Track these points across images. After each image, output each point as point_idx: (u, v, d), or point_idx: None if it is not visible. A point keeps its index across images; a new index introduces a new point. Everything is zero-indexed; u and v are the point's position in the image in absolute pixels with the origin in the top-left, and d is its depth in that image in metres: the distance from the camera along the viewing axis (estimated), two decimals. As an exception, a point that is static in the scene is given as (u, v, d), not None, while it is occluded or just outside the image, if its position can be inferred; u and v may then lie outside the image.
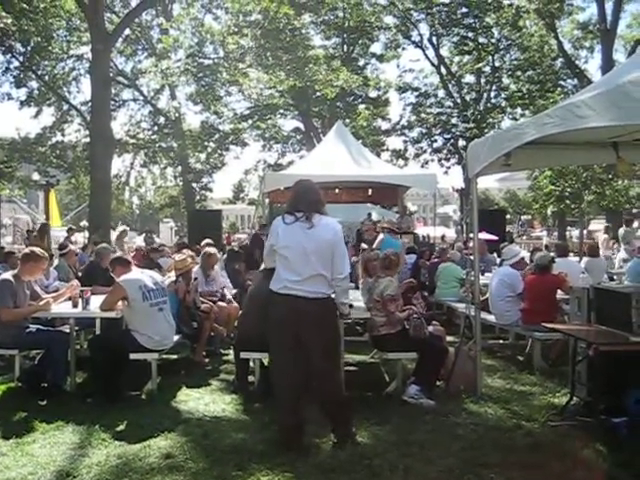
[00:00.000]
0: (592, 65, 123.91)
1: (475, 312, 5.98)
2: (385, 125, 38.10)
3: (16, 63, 25.30)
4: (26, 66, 25.28)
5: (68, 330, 6.17)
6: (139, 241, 22.35)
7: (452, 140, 33.90)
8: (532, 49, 32.16)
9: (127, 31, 26.72)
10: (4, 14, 18.38)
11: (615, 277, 10.91)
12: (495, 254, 11.94)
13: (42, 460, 4.26)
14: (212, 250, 8.60)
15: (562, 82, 32.55)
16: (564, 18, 32.30)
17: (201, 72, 25.66)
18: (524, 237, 33.71)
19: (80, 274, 8.77)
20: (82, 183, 28.83)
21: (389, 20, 34.85)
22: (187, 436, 4.73)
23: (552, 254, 8.71)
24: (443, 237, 26.45)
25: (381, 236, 10.20)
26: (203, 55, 26.18)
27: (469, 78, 35.45)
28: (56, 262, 8.76)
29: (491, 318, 7.77)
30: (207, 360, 7.29)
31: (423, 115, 34.52)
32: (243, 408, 5.51)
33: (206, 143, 31.89)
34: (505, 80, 34.13)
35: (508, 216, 32.80)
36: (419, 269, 10.73)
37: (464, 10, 32.17)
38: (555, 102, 24.32)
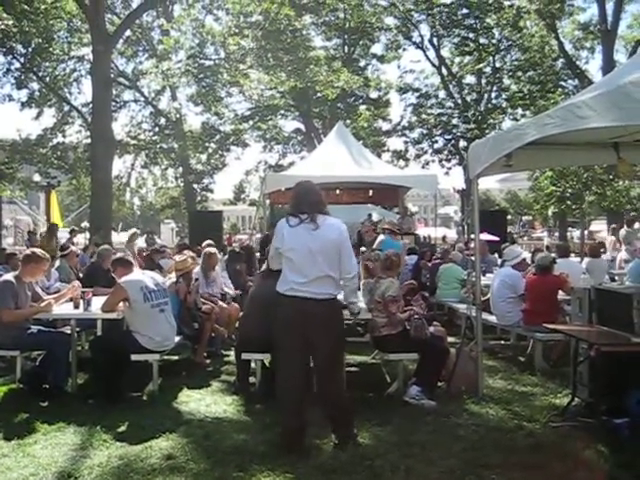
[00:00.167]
0: (593, 66, 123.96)
1: (476, 313, 5.98)
2: (386, 126, 38.14)
3: (17, 64, 25.35)
4: (27, 67, 25.30)
5: (69, 331, 6.17)
6: (140, 242, 22.35)
7: (453, 141, 33.92)
8: (533, 50, 32.15)
9: (128, 32, 26.76)
10: (5, 15, 18.39)
11: (616, 278, 10.90)
12: (496, 255, 11.93)
13: (43, 461, 4.26)
14: (212, 250, 8.60)
15: (563, 83, 32.53)
16: (565, 19, 32.30)
17: (202, 73, 25.67)
18: (525, 238, 33.69)
19: (81, 275, 8.78)
20: (83, 184, 28.83)
21: (390, 21, 34.93)
22: (188, 437, 4.73)
23: (553, 255, 8.71)
24: (444, 238, 26.44)
25: (381, 237, 10.20)
26: (204, 56, 26.18)
27: (470, 79, 35.48)
28: (57, 263, 8.76)
29: (492, 319, 7.77)
30: (208, 361, 7.28)
31: (424, 116, 34.51)
32: (244, 409, 5.51)
33: (207, 144, 31.89)
34: (506, 81, 34.14)
35: (509, 217, 32.82)
36: (420, 270, 10.73)
37: (465, 11, 32.19)
38: (556, 103, 24.31)
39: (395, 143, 67.88)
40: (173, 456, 4.32)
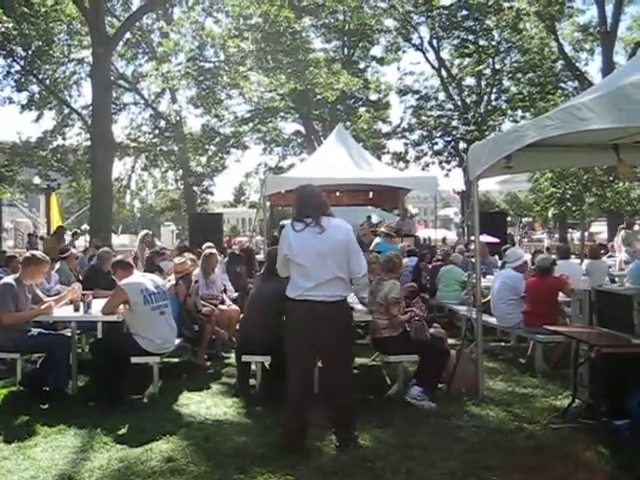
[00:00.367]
0: (592, 67, 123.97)
1: (477, 315, 5.98)
2: (386, 128, 38.21)
3: (17, 67, 25.38)
4: (27, 70, 25.33)
5: (70, 334, 6.17)
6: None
7: (453, 143, 33.95)
8: (532, 51, 32.19)
9: (128, 35, 26.79)
10: (5, 18, 18.40)
11: (616, 279, 10.90)
12: (496, 256, 11.94)
13: (44, 464, 4.26)
14: (212, 250, 8.62)
15: (563, 84, 32.57)
16: (564, 20, 32.35)
17: (202, 75, 25.69)
18: (525, 239, 33.68)
19: (81, 277, 8.78)
20: (83, 187, 28.84)
21: (389, 23, 35.00)
22: (189, 439, 4.72)
23: (553, 256, 8.71)
24: (444, 240, 26.44)
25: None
26: (204, 58, 26.20)
27: (469, 81, 35.52)
28: (57, 266, 8.76)
29: (493, 321, 7.77)
30: (208, 363, 7.28)
31: (424, 118, 34.56)
32: (245, 411, 5.50)
33: (207, 146, 31.94)
34: (506, 82, 34.19)
35: (509, 218, 32.81)
36: (420, 272, 10.72)
37: (464, 13, 32.23)
38: (556, 104, 24.30)
39: (395, 145, 67.65)
40: (173, 459, 4.31)
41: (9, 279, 6.01)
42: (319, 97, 28.61)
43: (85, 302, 6.02)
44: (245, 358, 6.02)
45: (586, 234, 31.11)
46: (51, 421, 5.05)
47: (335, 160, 15.10)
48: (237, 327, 7.76)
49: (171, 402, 5.73)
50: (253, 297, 6.26)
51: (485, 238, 13.05)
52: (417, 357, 5.88)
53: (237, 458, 4.29)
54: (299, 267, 4.33)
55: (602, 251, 13.11)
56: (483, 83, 34.59)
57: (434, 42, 34.38)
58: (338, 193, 16.08)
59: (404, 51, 36.89)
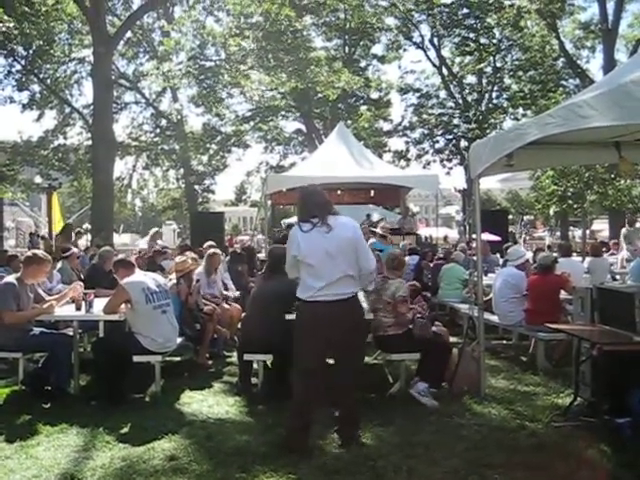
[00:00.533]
0: (594, 65, 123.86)
1: (478, 313, 5.98)
2: (387, 126, 38.21)
3: (18, 66, 25.33)
4: (28, 69, 25.30)
5: (71, 333, 6.18)
6: (142, 244, 22.36)
7: (454, 141, 33.94)
8: (533, 49, 32.16)
9: (129, 34, 26.77)
10: (6, 18, 18.39)
11: (617, 277, 10.89)
12: (498, 255, 11.93)
13: (46, 463, 4.26)
14: (216, 250, 8.64)
15: (564, 82, 32.54)
16: (565, 18, 32.29)
17: (203, 74, 25.68)
18: (527, 237, 33.65)
19: (83, 277, 8.78)
20: (84, 186, 28.83)
21: (390, 21, 34.97)
22: (191, 438, 4.73)
23: (555, 254, 8.70)
24: (445, 238, 26.43)
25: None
26: (205, 57, 26.20)
27: (471, 79, 35.48)
28: (59, 265, 8.77)
29: (494, 319, 7.76)
30: (210, 362, 7.28)
31: (425, 116, 34.56)
32: (247, 410, 5.50)
33: (208, 145, 31.93)
34: (507, 80, 34.15)
35: (510, 216, 32.79)
36: (422, 270, 10.72)
37: (465, 11, 32.21)
38: (557, 102, 24.29)
39: (396, 143, 67.67)
40: (176, 457, 4.32)
41: (11, 278, 6.01)
42: (320, 95, 28.57)
43: (87, 301, 6.02)
44: (247, 357, 6.03)
45: (588, 232, 31.06)
46: (53, 420, 5.06)
47: (336, 158, 15.11)
48: (239, 326, 7.78)
49: (173, 401, 5.73)
50: (255, 296, 6.27)
51: (486, 236, 13.03)
52: (419, 355, 5.87)
53: (239, 457, 4.29)
54: (309, 267, 4.32)
55: (604, 249, 13.10)
56: (484, 81, 34.56)
57: (435, 40, 34.38)
58: (339, 192, 16.08)
59: (405, 49, 36.95)
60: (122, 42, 26.63)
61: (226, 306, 8.20)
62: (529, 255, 9.45)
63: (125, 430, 4.91)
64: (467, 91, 34.81)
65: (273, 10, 23.23)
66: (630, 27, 33.19)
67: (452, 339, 7.08)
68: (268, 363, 6.15)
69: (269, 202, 16.52)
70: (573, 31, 32.88)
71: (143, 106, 31.62)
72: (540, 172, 29.39)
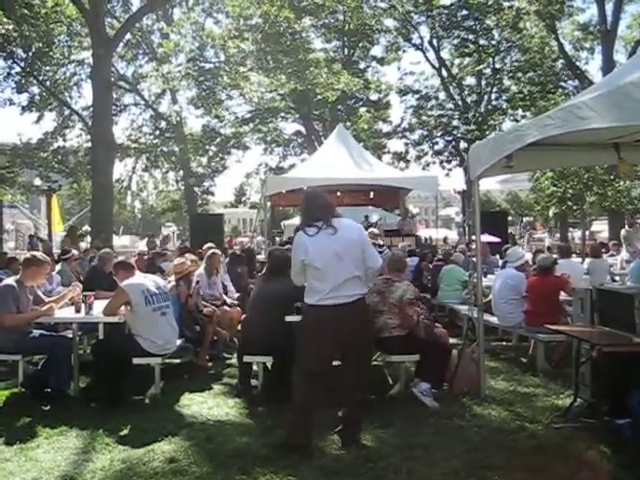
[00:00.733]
0: (593, 66, 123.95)
1: (478, 314, 5.98)
2: (386, 128, 38.26)
3: (17, 69, 25.31)
4: (27, 71, 25.29)
5: (71, 335, 6.17)
6: (141, 246, 22.37)
7: (453, 142, 33.98)
8: (533, 50, 32.17)
9: (128, 36, 26.74)
10: (5, 20, 18.40)
11: (616, 278, 10.89)
12: (497, 256, 11.93)
13: (46, 465, 4.26)
14: (215, 250, 8.66)
15: (563, 83, 32.56)
16: (564, 19, 32.27)
17: (202, 76, 25.70)
18: (530, 238, 33.68)
19: (82, 279, 8.78)
20: (84, 188, 28.79)
21: (389, 23, 35.02)
22: (191, 440, 4.73)
23: (555, 256, 8.70)
24: (445, 239, 26.44)
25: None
26: (204, 59, 26.22)
27: (470, 80, 35.52)
28: (58, 267, 8.76)
29: (494, 320, 7.77)
30: (210, 364, 7.28)
31: (424, 117, 34.59)
32: (246, 412, 5.50)
33: (207, 147, 31.94)
34: (506, 82, 34.17)
35: (510, 218, 32.79)
36: (421, 272, 10.73)
37: (464, 12, 32.22)
38: (556, 103, 24.29)
39: (395, 145, 67.73)
40: (175, 459, 4.32)
41: (10, 280, 6.01)
42: (319, 97, 28.62)
43: (86, 303, 6.02)
44: (247, 359, 6.03)
45: (587, 233, 31.05)
46: (53, 422, 5.05)
47: (336, 160, 15.12)
48: (238, 328, 7.78)
49: (173, 403, 5.73)
50: (255, 298, 6.26)
51: (486, 238, 13.04)
52: (418, 357, 5.86)
53: (239, 459, 4.29)
54: (317, 271, 4.32)
55: (603, 250, 13.10)
56: (483, 82, 34.59)
57: (434, 42, 34.39)
58: (339, 193, 16.10)
59: (404, 51, 36.98)
60: (121, 44, 26.60)
61: (226, 308, 8.19)
62: (529, 256, 9.46)
63: (125, 432, 4.90)
64: (466, 92, 34.85)
65: (272, 12, 23.26)
66: (629, 28, 33.23)
67: (452, 340, 7.08)
68: (268, 365, 6.15)
69: (268, 204, 16.52)
70: (572, 32, 32.87)
71: (142, 108, 31.64)
72: (539, 173, 29.39)
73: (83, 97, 35.33)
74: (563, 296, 7.23)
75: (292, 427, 4.48)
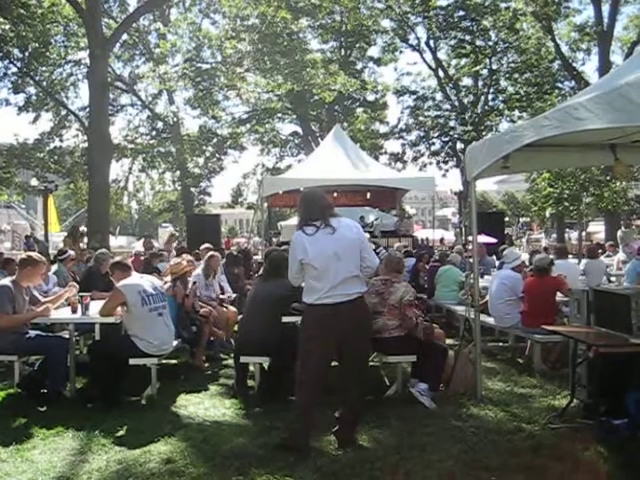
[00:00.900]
0: (589, 67, 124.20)
1: (475, 315, 5.98)
2: (383, 128, 38.32)
3: (14, 69, 25.25)
4: (24, 72, 25.23)
5: (67, 336, 6.16)
6: (138, 246, 22.34)
7: (450, 143, 34.04)
8: (529, 51, 32.27)
9: (125, 36, 26.71)
10: (2, 20, 18.38)
11: (612, 279, 10.91)
12: (494, 256, 11.94)
13: (42, 466, 4.25)
14: (214, 252, 8.66)
15: (559, 84, 32.65)
16: (561, 20, 32.34)
17: (199, 77, 25.66)
18: (530, 239, 33.74)
19: (78, 278, 8.76)
20: (80, 188, 28.74)
21: (386, 24, 35.10)
22: (187, 441, 4.72)
23: (551, 256, 8.72)
24: (442, 240, 26.45)
25: None
26: (201, 60, 26.20)
27: (467, 81, 35.64)
28: (55, 268, 8.74)
29: (490, 321, 7.78)
30: (207, 365, 7.27)
31: (421, 118, 34.67)
32: (243, 412, 5.50)
33: (204, 147, 31.89)
34: (502, 83, 34.26)
35: (507, 218, 32.85)
36: (418, 272, 10.72)
37: (461, 13, 32.31)
38: (553, 104, 24.31)
39: (392, 145, 67.86)
40: (172, 460, 4.31)
41: (6, 281, 5.99)
42: (316, 98, 28.63)
43: (83, 304, 6.01)
44: (243, 359, 6.02)
45: (584, 234, 31.07)
46: (49, 423, 5.04)
47: (332, 161, 15.14)
48: (235, 328, 7.77)
49: (169, 403, 5.72)
50: (252, 298, 6.26)
51: (483, 238, 13.06)
52: (415, 358, 5.86)
53: (236, 459, 4.29)
54: (315, 270, 4.33)
55: (600, 251, 13.13)
56: (480, 83, 34.67)
57: (431, 42, 34.48)
58: (335, 194, 16.11)
59: (401, 52, 37.06)
60: (118, 44, 26.57)
61: (222, 308, 8.19)
62: (525, 257, 9.47)
63: (121, 433, 4.89)
64: (463, 93, 34.93)
65: (269, 12, 23.25)
66: (625, 29, 33.35)
67: (448, 341, 7.08)
68: (265, 366, 6.14)
69: (265, 204, 16.53)
70: (569, 33, 32.90)
71: (139, 108, 31.59)
72: (536, 174, 29.42)
73: (80, 97, 35.52)
74: (559, 297, 7.24)
75: (293, 428, 4.48)
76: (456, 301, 9.18)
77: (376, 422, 5.02)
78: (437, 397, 5.65)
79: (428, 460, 4.24)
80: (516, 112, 33.13)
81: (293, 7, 26.97)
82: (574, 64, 32.06)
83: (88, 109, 23.43)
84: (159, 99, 32.13)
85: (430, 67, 35.16)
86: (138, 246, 22.13)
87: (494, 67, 33.48)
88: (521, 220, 43.72)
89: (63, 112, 28.78)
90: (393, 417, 5.18)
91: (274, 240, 17.94)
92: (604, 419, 4.74)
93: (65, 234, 19.53)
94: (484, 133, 29.29)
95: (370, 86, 36.28)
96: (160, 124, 30.99)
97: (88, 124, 23.16)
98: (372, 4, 33.40)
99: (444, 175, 34.81)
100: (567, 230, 36.20)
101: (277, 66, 25.01)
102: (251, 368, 6.22)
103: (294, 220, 21.56)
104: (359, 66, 37.42)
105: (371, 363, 7.17)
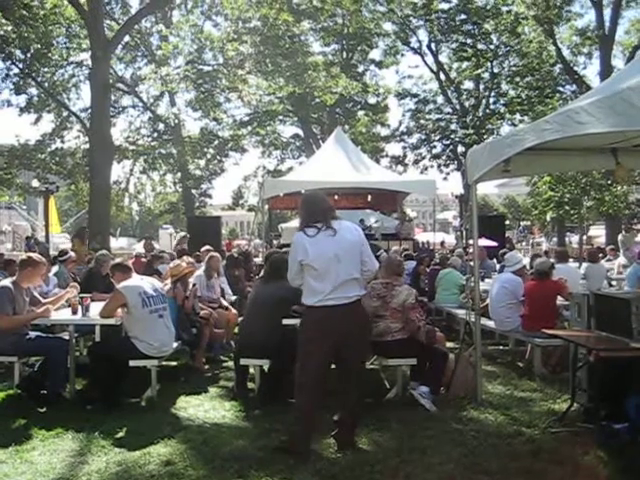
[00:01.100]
0: (591, 71, 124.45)
1: (475, 318, 5.98)
2: (384, 131, 38.37)
3: (16, 70, 25.30)
4: (26, 73, 25.28)
5: (67, 337, 6.15)
6: (139, 248, 22.33)
7: (451, 146, 34.02)
8: (531, 55, 32.27)
9: (127, 38, 26.78)
10: (4, 21, 18.41)
11: (613, 283, 10.89)
12: (495, 260, 11.93)
13: (41, 468, 4.24)
14: (214, 252, 8.67)
15: (561, 88, 32.66)
16: (562, 24, 32.41)
17: (200, 79, 25.72)
18: (524, 243, 33.70)
19: (79, 279, 8.75)
20: (81, 189, 28.75)
21: (388, 27, 35.15)
22: (187, 443, 4.71)
23: (552, 260, 8.71)
24: (442, 243, 26.46)
25: None
26: (202, 62, 26.26)
27: (468, 84, 35.63)
28: (55, 269, 8.74)
29: (491, 324, 7.77)
30: (207, 367, 7.27)
31: (422, 121, 34.68)
32: (243, 415, 5.49)
33: (205, 149, 31.93)
34: (504, 86, 34.24)
35: (507, 222, 32.84)
36: (419, 275, 10.72)
37: (463, 17, 32.32)
38: (554, 108, 24.36)
39: (393, 148, 67.88)
40: (172, 462, 4.30)
41: (7, 282, 5.99)
42: (318, 100, 28.71)
43: (83, 305, 6.01)
44: (243, 361, 6.02)
45: (584, 238, 31.07)
46: (49, 424, 5.04)
47: (334, 163, 15.15)
48: (235, 330, 7.77)
49: (169, 405, 5.72)
50: (252, 300, 6.26)
51: (483, 242, 13.04)
52: (415, 361, 5.86)
53: (235, 462, 4.28)
54: (315, 272, 4.32)
55: (600, 255, 13.11)
56: (481, 87, 34.66)
57: (433, 46, 34.49)
58: (336, 196, 16.13)
59: (403, 55, 37.10)
60: (120, 46, 26.64)
61: (223, 310, 8.19)
62: (526, 261, 9.46)
63: (121, 435, 4.89)
64: (464, 97, 34.93)
65: (271, 15, 23.31)
66: (627, 34, 33.40)
67: (449, 344, 7.07)
68: (265, 368, 6.13)
69: (266, 207, 16.53)
70: (570, 37, 32.97)
71: (141, 110, 31.63)
72: (537, 178, 29.45)
73: (81, 99, 35.29)
74: (560, 301, 7.23)
75: (293, 430, 4.48)
76: (457, 304, 9.18)
77: (376, 425, 5.01)
78: (437, 400, 5.64)
79: (428, 463, 4.23)
80: (517, 116, 33.13)
81: (295, 10, 27.07)
82: (575, 68, 32.13)
83: (90, 110, 23.47)
84: (161, 101, 32.23)
85: (431, 70, 35.18)
86: (139, 248, 22.11)
87: (495, 70, 33.48)
88: (522, 224, 43.67)
89: (65, 113, 28.84)
90: (393, 420, 5.17)
91: (275, 242, 17.94)
92: (604, 423, 4.73)
93: (66, 235, 19.53)
94: (485, 136, 29.29)
95: (371, 89, 36.33)
96: (161, 126, 31.03)
97: (89, 125, 23.20)
98: (374, 7, 33.50)
99: (445, 178, 34.81)
100: (568, 234, 36.20)
101: (279, 68, 25.08)
102: (251, 370, 6.21)
103: (295, 222, 21.59)
104: (361, 69, 37.52)
105: (371, 366, 7.19)
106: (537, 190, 31.92)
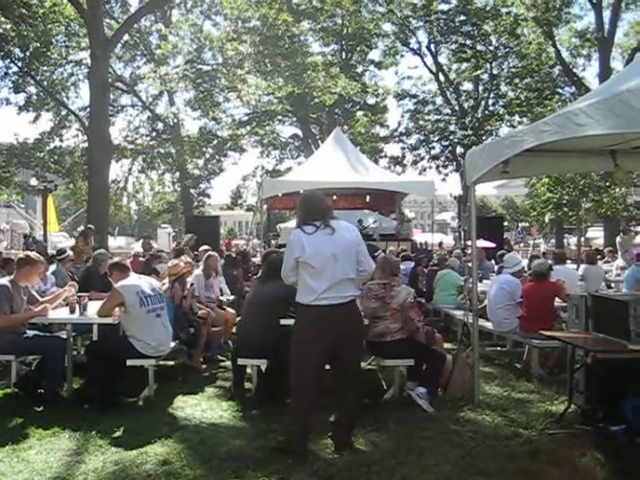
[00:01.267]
0: (590, 73, 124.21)
1: (473, 319, 5.98)
2: (383, 132, 38.37)
3: (15, 68, 25.30)
4: (25, 71, 25.27)
5: (65, 336, 6.14)
6: (137, 247, 22.32)
7: (450, 147, 34.07)
8: (530, 57, 32.33)
9: (126, 37, 26.78)
10: (3, 19, 18.39)
11: (612, 285, 10.91)
12: (493, 261, 11.94)
13: (38, 467, 4.23)
14: (212, 252, 8.67)
15: (560, 90, 32.73)
16: (562, 26, 32.46)
17: (200, 78, 25.72)
18: (522, 244, 33.72)
19: (77, 278, 8.74)
20: (80, 188, 28.74)
21: (387, 27, 35.18)
22: (184, 443, 4.71)
23: (550, 262, 8.71)
24: (441, 244, 26.45)
25: None
26: (202, 61, 26.27)
27: (467, 85, 35.71)
28: (53, 267, 8.73)
29: (489, 325, 7.77)
30: (204, 366, 7.27)
31: (421, 122, 34.71)
32: (240, 415, 5.48)
33: (204, 149, 31.95)
34: (503, 87, 34.31)
35: (506, 223, 32.84)
36: (417, 276, 10.72)
37: (462, 18, 32.38)
38: (553, 110, 24.40)
39: (392, 149, 68.11)
40: (169, 462, 4.30)
41: (4, 280, 5.98)
42: (317, 101, 28.71)
43: (81, 304, 6.00)
44: (241, 361, 6.01)
45: (582, 239, 31.10)
46: (46, 423, 5.03)
47: (332, 164, 15.14)
48: (233, 330, 7.76)
49: (166, 405, 5.71)
50: (250, 300, 6.25)
51: (482, 243, 13.05)
52: (412, 361, 5.86)
53: (232, 462, 4.27)
54: (312, 269, 4.32)
55: (598, 256, 13.13)
56: (480, 88, 34.72)
57: (432, 47, 34.55)
58: (335, 197, 16.12)
59: (402, 55, 37.17)
60: (119, 45, 26.64)
61: (220, 310, 8.18)
62: (524, 262, 9.47)
63: (118, 434, 4.88)
64: (463, 98, 34.99)
65: (271, 15, 23.33)
66: (626, 36, 33.46)
67: (446, 345, 7.07)
68: (262, 368, 6.13)
69: (265, 206, 16.53)
70: (569, 39, 33.01)
71: (139, 109, 31.64)
72: (535, 179, 29.46)
73: (80, 97, 35.48)
74: (558, 302, 7.23)
75: (290, 431, 4.47)
76: (454, 305, 9.18)
77: (373, 425, 5.01)
78: (435, 401, 5.64)
79: (425, 464, 4.23)
80: (516, 117, 33.22)
81: (295, 10, 27.08)
82: (574, 70, 32.18)
83: (88, 109, 23.49)
84: (159, 100, 32.25)
85: (431, 71, 35.25)
86: (137, 247, 22.10)
87: (495, 72, 33.55)
88: (520, 225, 43.68)
89: (63, 112, 28.82)
90: (390, 421, 5.17)
91: (273, 242, 17.94)
92: (601, 425, 4.74)
93: (64, 234, 19.50)
94: (484, 138, 29.35)
95: (371, 89, 36.35)
96: (160, 125, 31.06)
97: (88, 124, 23.20)
98: (373, 8, 33.53)
99: (444, 179, 34.89)
100: (566, 235, 36.23)
101: (278, 68, 25.09)
102: (248, 370, 6.20)
103: (293, 222, 21.55)
104: (360, 69, 37.51)
105: (368, 367, 7.19)
106: (536, 191, 31.89)
